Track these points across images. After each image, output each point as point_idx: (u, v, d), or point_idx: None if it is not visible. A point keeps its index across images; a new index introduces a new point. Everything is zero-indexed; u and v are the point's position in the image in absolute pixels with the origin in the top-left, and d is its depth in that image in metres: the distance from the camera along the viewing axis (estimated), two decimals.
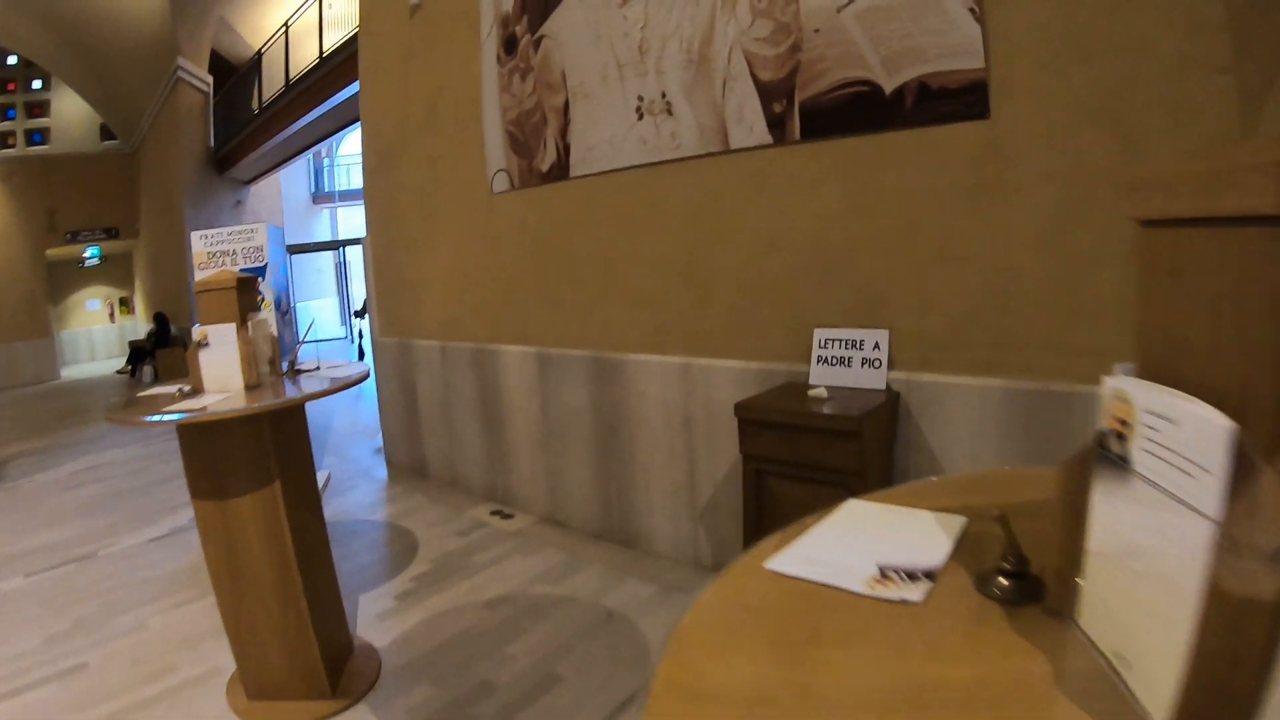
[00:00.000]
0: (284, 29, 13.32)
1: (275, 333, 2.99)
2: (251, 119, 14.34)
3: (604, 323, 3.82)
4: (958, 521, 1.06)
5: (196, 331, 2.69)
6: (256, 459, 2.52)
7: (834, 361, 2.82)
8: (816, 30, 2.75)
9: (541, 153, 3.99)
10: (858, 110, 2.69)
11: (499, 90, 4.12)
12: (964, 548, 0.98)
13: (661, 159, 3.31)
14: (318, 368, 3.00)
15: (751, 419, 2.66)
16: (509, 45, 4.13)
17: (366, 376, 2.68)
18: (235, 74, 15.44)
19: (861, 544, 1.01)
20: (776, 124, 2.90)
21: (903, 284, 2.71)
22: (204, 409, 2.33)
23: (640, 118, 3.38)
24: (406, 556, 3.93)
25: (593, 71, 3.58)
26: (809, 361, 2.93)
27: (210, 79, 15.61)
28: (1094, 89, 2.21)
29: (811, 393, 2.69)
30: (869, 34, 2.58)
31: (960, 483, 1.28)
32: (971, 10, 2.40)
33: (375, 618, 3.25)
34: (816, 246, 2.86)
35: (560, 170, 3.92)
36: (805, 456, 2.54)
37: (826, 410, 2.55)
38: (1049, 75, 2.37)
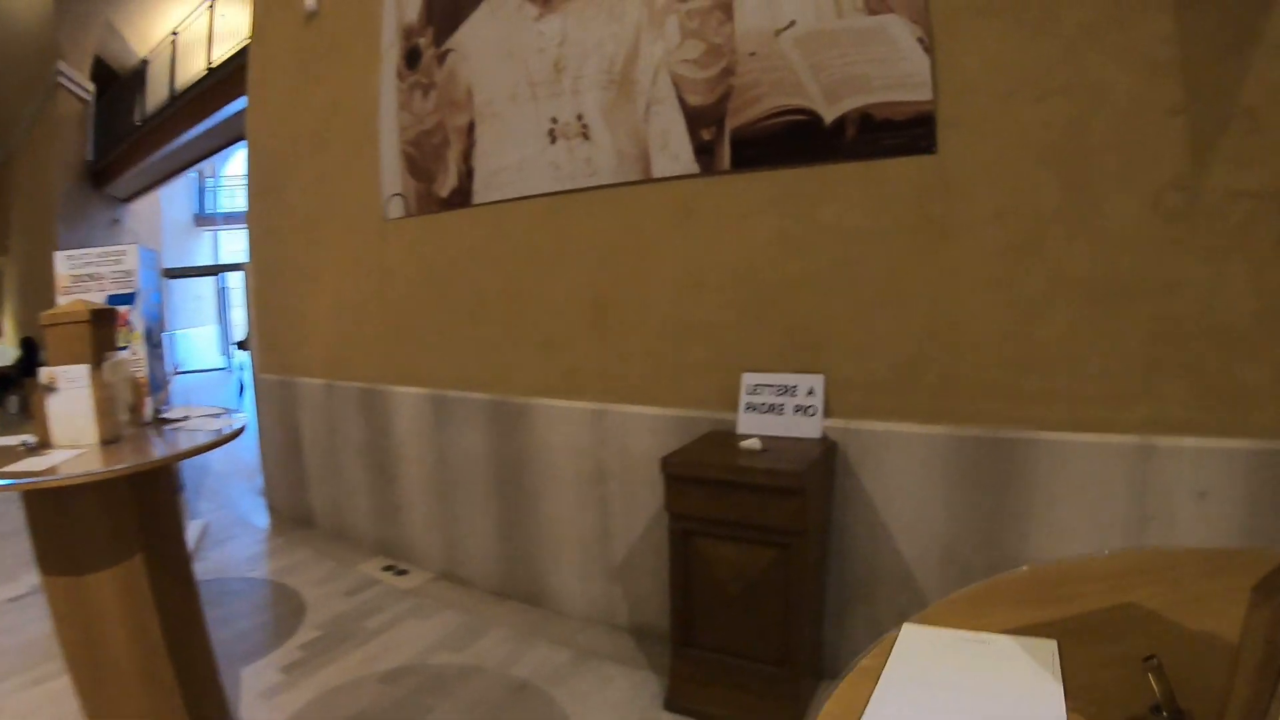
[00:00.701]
0: (172, 36, 12.07)
1: (140, 373, 2.39)
2: (133, 131, 12.84)
3: (508, 364, 3.24)
4: (1049, 650, 0.82)
5: (43, 374, 2.03)
6: (116, 529, 1.93)
7: (764, 409, 2.40)
8: (752, 54, 2.37)
9: (442, 177, 3.35)
10: (795, 140, 2.32)
11: (398, 107, 3.48)
12: (1072, 689, 0.68)
13: (575, 186, 2.81)
14: (186, 418, 2.35)
15: (680, 474, 2.21)
16: (411, 58, 3.53)
17: (242, 432, 2.09)
18: (118, 82, 13.73)
19: (954, 702, 0.67)
20: (705, 151, 2.47)
21: (841, 326, 2.34)
22: (50, 471, 1.71)
23: (553, 141, 2.87)
24: (292, 620, 3.25)
25: (502, 89, 3.05)
26: (736, 409, 2.48)
27: (92, 86, 13.80)
28: (1046, 128, 1.98)
29: (744, 444, 2.26)
30: (809, 60, 2.24)
31: (1024, 582, 0.99)
32: (920, 40, 2.10)
33: (259, 696, 2.60)
34: (746, 285, 2.45)
35: (462, 196, 3.29)
36: (740, 515, 2.12)
37: (763, 464, 2.12)
38: (1000, 112, 2.09)
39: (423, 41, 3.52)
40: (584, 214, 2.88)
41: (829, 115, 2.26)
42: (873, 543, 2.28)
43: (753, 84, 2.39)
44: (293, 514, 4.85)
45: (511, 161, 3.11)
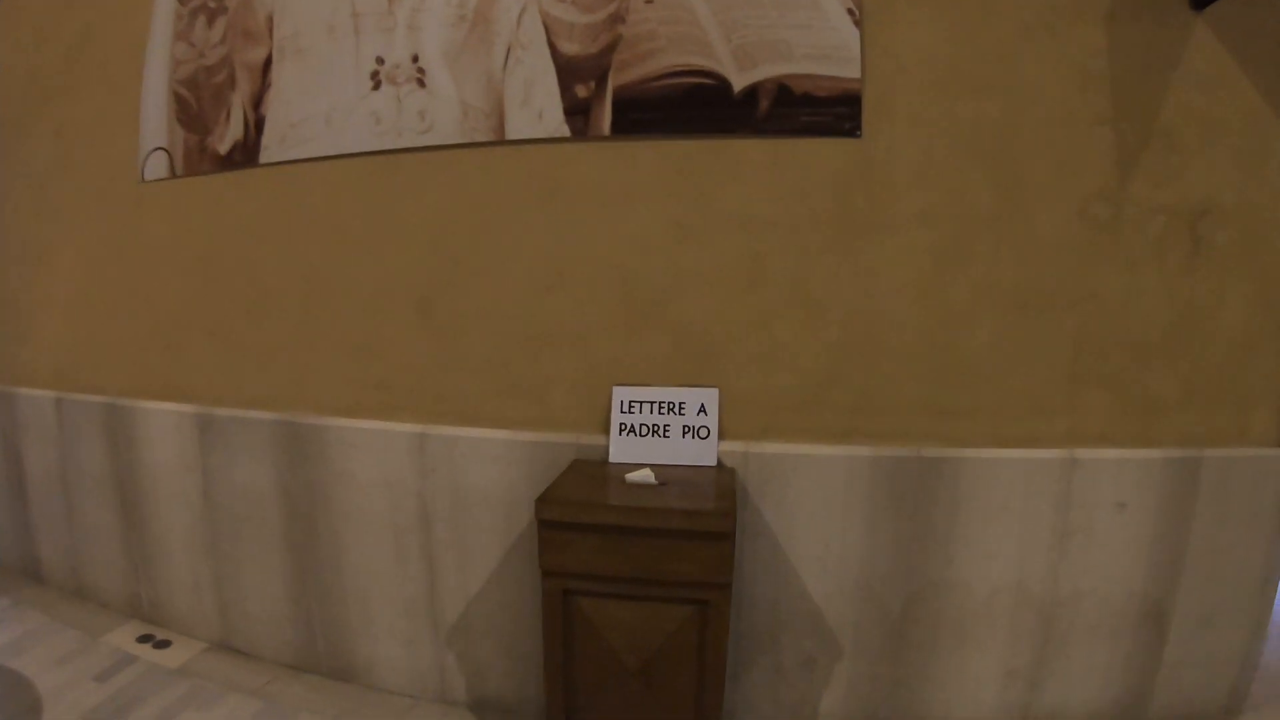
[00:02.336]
0: None
1: None
2: None
3: (298, 373, 1.95)
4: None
5: None
6: None
7: (643, 430, 1.56)
8: (649, 0, 1.59)
9: (222, 127, 1.98)
10: (694, 107, 1.56)
11: (173, 37, 2.06)
12: None
13: (403, 145, 1.75)
14: None
15: (558, 520, 1.35)
16: None
17: None
18: None
19: None
20: (578, 112, 1.61)
21: (741, 332, 1.60)
22: None
23: (376, 87, 1.76)
24: None
25: (315, 18, 1.87)
26: (605, 431, 1.63)
27: None
28: (979, 127, 1.50)
29: (632, 477, 1.45)
30: (719, 16, 1.55)
31: None
32: (850, 12, 1.51)
33: None
34: (625, 281, 1.63)
35: (247, 153, 1.96)
36: (642, 568, 1.34)
37: (676, 503, 1.34)
38: (932, 103, 1.53)
39: None
40: (412, 182, 1.77)
41: (739, 82, 1.54)
42: (776, 583, 1.62)
43: (647, 36, 1.59)
44: (16, 566, 2.77)
45: (318, 110, 1.86)
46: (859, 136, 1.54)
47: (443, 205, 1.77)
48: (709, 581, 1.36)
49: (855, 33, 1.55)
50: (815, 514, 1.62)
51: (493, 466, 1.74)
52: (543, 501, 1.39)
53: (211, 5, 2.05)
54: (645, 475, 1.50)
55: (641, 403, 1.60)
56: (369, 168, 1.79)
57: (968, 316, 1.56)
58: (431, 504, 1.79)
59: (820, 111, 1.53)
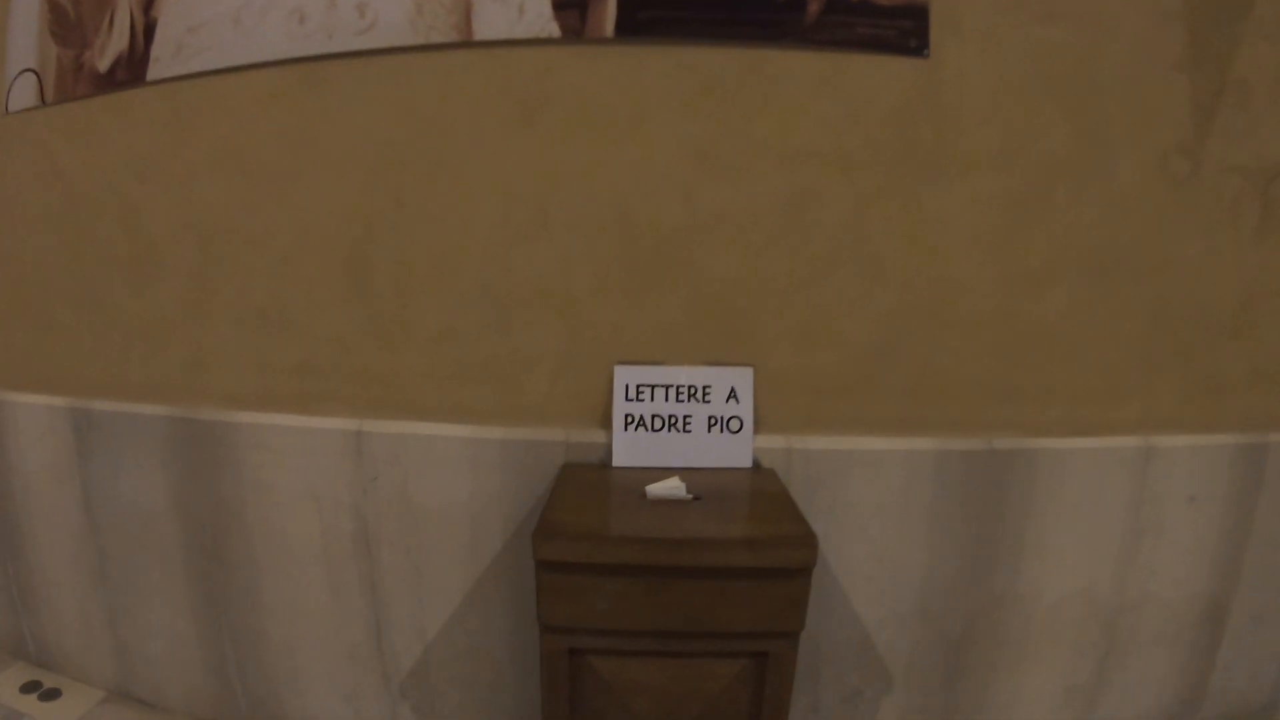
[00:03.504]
0: None
1: None
2: None
3: (195, 354, 1.16)
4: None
5: None
6: None
7: (656, 423, 0.95)
8: None
9: (104, 37, 1.16)
10: (725, 6, 0.95)
11: None
12: None
13: (334, 50, 1.02)
14: None
15: (567, 562, 0.72)
16: None
17: None
18: None
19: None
20: (571, 6, 0.97)
21: (779, 295, 1.00)
22: None
23: None
24: None
25: None
26: (605, 424, 0.99)
27: None
28: (1057, 57, 0.97)
29: (657, 489, 0.84)
30: None
31: None
32: None
33: None
34: (629, 227, 0.99)
35: (132, 68, 1.15)
36: (683, 619, 0.72)
37: (730, 529, 0.77)
38: (1006, 23, 0.97)
39: None
40: (345, 99, 1.04)
41: None
42: (820, 610, 1.04)
43: None
44: None
45: (224, 9, 1.09)
46: (926, 56, 0.95)
47: (385, 129, 1.00)
48: (774, 629, 0.74)
49: None
50: (869, 523, 1.02)
51: (453, 473, 1.02)
52: (544, 537, 0.72)
53: None
54: (674, 487, 0.84)
55: (653, 387, 0.95)
56: (288, 81, 1.03)
57: (1044, 280, 1.01)
58: (374, 523, 1.05)
59: (881, 23, 0.94)
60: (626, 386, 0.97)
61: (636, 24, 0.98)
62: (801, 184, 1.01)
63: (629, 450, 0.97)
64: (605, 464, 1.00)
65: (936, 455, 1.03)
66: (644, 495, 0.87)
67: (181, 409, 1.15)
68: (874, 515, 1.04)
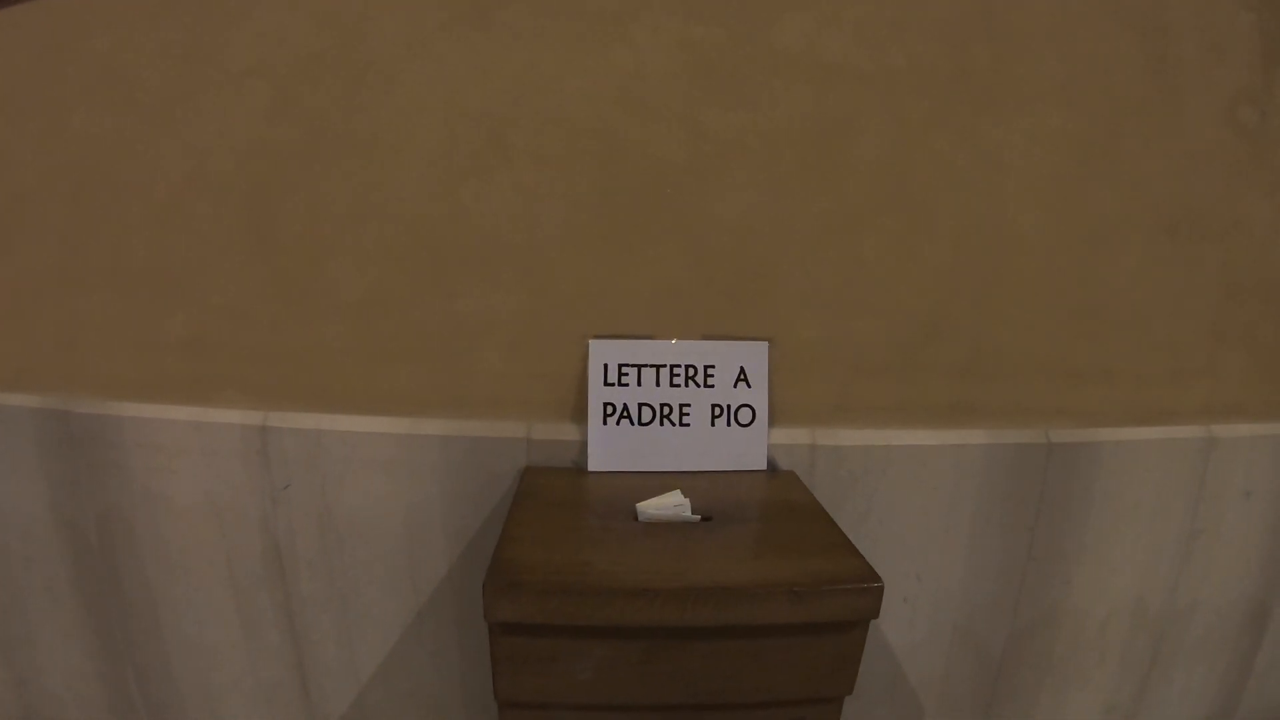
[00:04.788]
0: None
1: None
2: None
3: (66, 330, 0.67)
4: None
5: None
6: None
7: (644, 415, 0.55)
8: None
9: None
10: None
11: None
12: None
13: None
14: None
15: (533, 624, 0.31)
16: None
17: None
18: None
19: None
20: None
21: (803, 249, 0.58)
22: None
23: None
24: None
25: None
26: (577, 415, 0.58)
27: None
28: None
29: (651, 507, 0.45)
30: None
31: None
32: None
33: None
34: (609, 154, 0.57)
35: None
36: (696, 690, 0.31)
37: (763, 570, 0.32)
38: None
39: None
40: (251, 3, 0.59)
41: None
42: None
43: None
44: None
45: None
46: None
47: (297, 37, 0.60)
48: (813, 697, 0.36)
49: None
50: (907, 533, 0.64)
51: (383, 479, 0.61)
52: (499, 589, 0.34)
53: None
54: (675, 505, 0.46)
55: (640, 367, 0.56)
56: None
57: (1111, 237, 0.65)
58: (288, 540, 0.64)
59: None
60: (605, 366, 0.56)
61: None
62: (833, 108, 0.60)
63: (609, 450, 0.57)
64: (579, 467, 0.59)
65: (987, 451, 0.64)
66: (634, 516, 0.47)
67: (54, 399, 0.70)
68: (913, 524, 0.65)
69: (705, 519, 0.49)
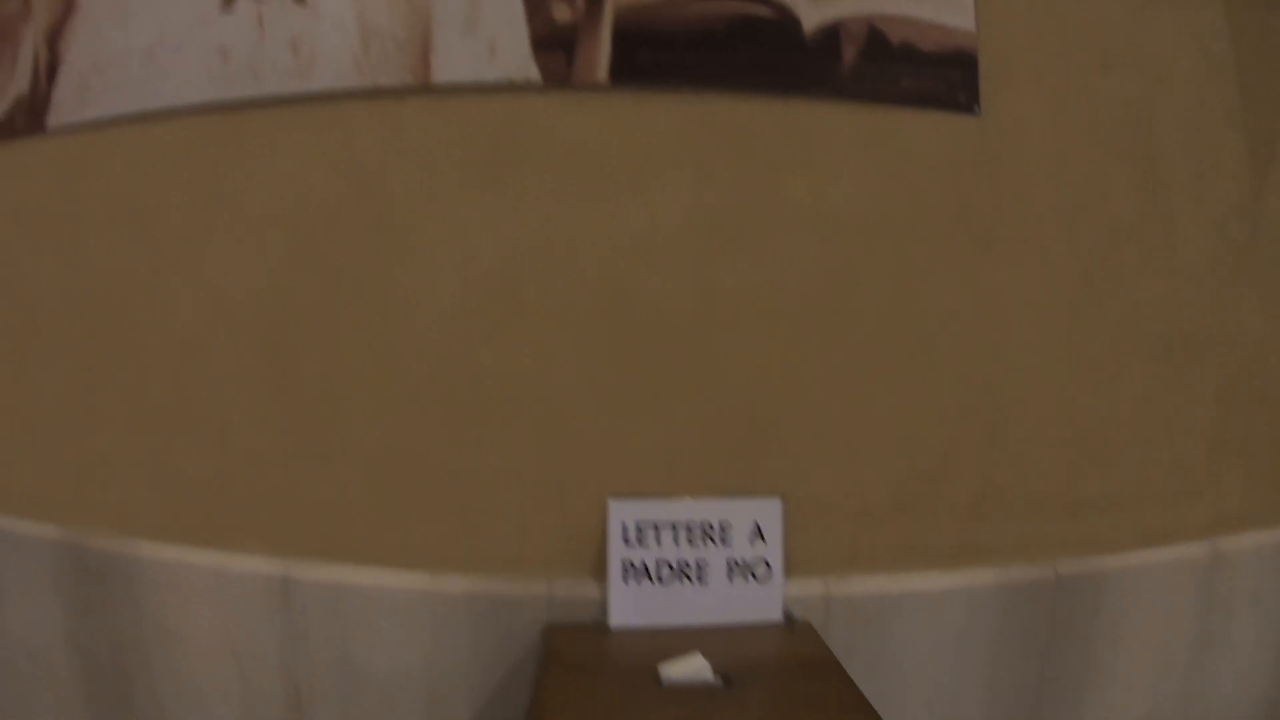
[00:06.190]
0: None
1: None
2: None
3: (83, 461, 0.69)
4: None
5: None
6: None
7: (663, 572, 0.57)
8: None
9: (4, 75, 0.68)
10: (743, 48, 0.59)
11: None
12: None
13: (262, 94, 0.61)
14: None
15: None
16: None
17: None
18: None
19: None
20: (556, 45, 0.59)
21: (812, 401, 0.61)
22: None
23: (229, 2, 0.61)
24: None
25: None
26: (597, 571, 0.59)
27: None
28: (1116, 109, 0.64)
29: (676, 671, 0.46)
30: None
31: None
32: None
33: None
34: (624, 311, 0.61)
35: (31, 113, 0.66)
36: None
37: None
38: (1061, 72, 0.63)
39: None
40: (272, 151, 0.63)
41: (812, 18, 0.60)
42: None
43: None
44: None
45: (140, 43, 0.64)
46: (977, 113, 0.63)
47: (318, 188, 0.62)
48: None
49: None
50: (918, 678, 0.64)
51: (405, 633, 0.61)
52: None
53: None
54: (696, 668, 0.49)
55: (658, 526, 0.58)
56: (205, 129, 0.64)
57: (1112, 363, 0.68)
58: (308, 688, 0.63)
59: (926, 73, 0.62)
60: (624, 526, 0.58)
61: (636, 67, 0.60)
62: (838, 260, 0.63)
63: (629, 606, 0.58)
64: (600, 624, 0.60)
65: (998, 591, 0.65)
66: (657, 678, 0.48)
67: (71, 531, 0.70)
68: (924, 667, 0.65)
69: (726, 681, 0.50)
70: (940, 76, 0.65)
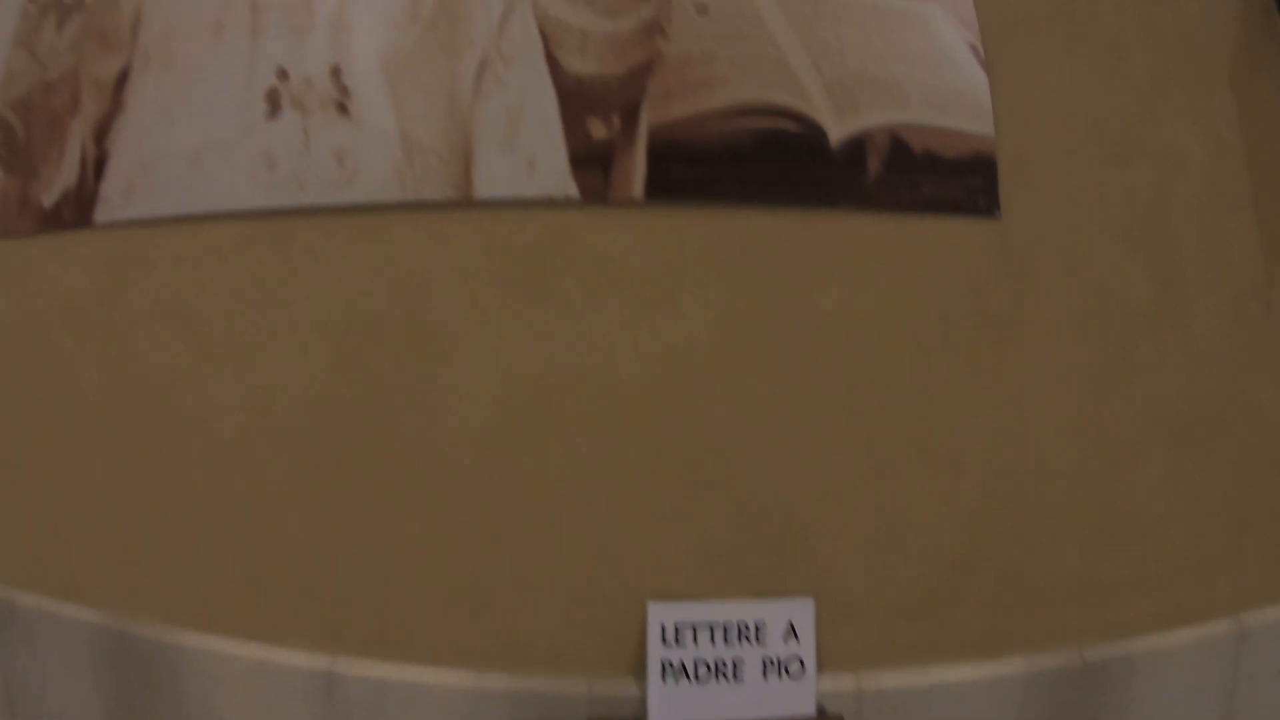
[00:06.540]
0: None
1: None
2: None
3: (129, 550, 0.69)
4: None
5: None
6: None
7: (701, 671, 0.59)
8: (702, 9, 0.62)
9: (52, 168, 0.69)
10: (773, 162, 0.62)
11: (13, 43, 0.73)
12: None
13: (306, 203, 0.63)
14: None
15: None
16: None
17: None
18: None
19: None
20: (593, 162, 0.62)
21: (843, 504, 0.64)
22: None
23: (274, 112, 0.62)
24: None
25: (196, 11, 0.64)
26: (635, 672, 0.60)
27: None
28: (1129, 201, 0.67)
29: None
30: (803, 35, 0.62)
31: None
32: (973, 49, 0.64)
33: None
34: (661, 421, 0.63)
35: (79, 207, 0.68)
36: None
37: None
38: (1075, 169, 0.66)
39: None
40: (316, 258, 0.65)
41: (838, 131, 0.63)
42: None
43: (702, 57, 0.62)
44: None
45: (184, 146, 0.66)
46: (997, 217, 0.65)
47: (363, 297, 0.65)
48: None
49: (982, 76, 0.65)
50: None
51: None
52: None
53: (67, 1, 0.75)
54: None
55: (696, 627, 0.60)
56: (251, 235, 0.67)
57: (1131, 452, 0.70)
58: None
59: (948, 180, 0.64)
60: (663, 627, 0.60)
61: (670, 183, 0.63)
62: (865, 366, 0.66)
63: (668, 704, 0.60)
64: None
65: (1025, 679, 0.67)
66: None
67: (114, 618, 0.71)
68: None
69: None
70: (961, 182, 0.68)
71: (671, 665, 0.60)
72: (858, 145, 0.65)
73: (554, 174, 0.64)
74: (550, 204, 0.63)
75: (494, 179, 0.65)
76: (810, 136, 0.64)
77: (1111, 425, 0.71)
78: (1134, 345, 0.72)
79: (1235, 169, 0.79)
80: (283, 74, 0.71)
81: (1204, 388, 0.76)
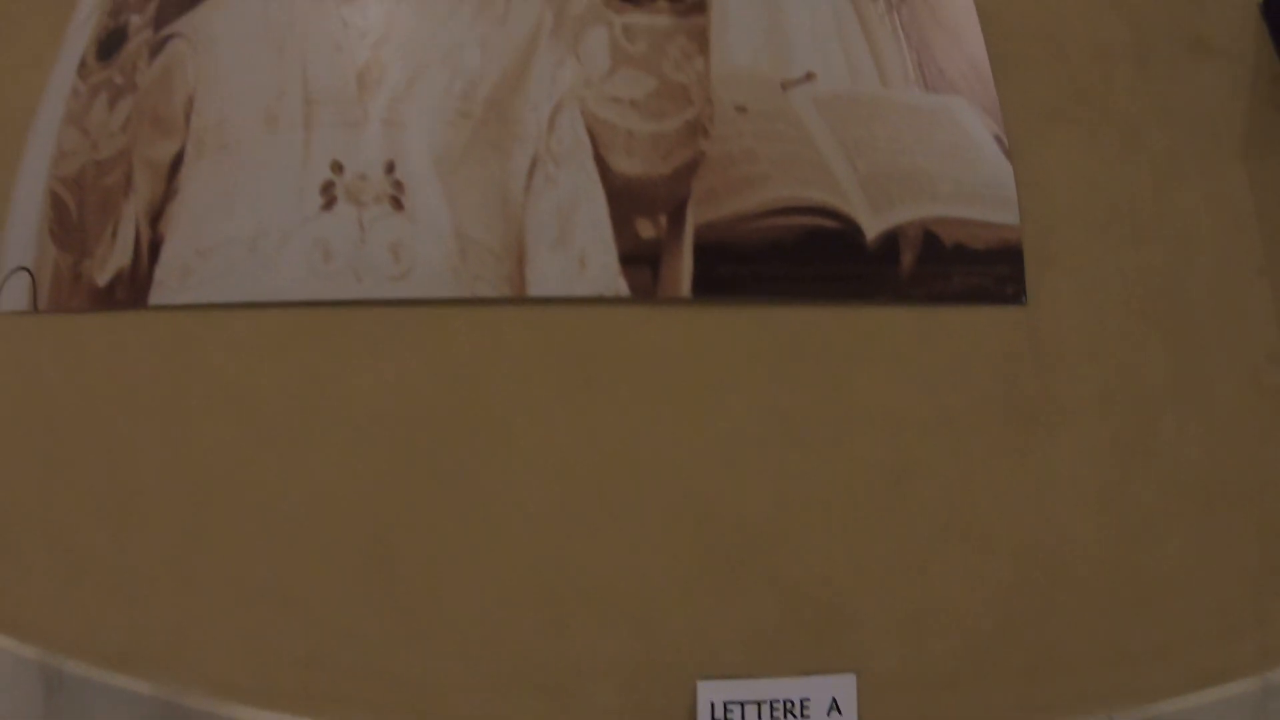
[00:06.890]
0: None
1: None
2: None
3: (182, 626, 0.71)
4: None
5: None
6: None
7: None
8: (741, 108, 0.66)
9: (105, 246, 0.73)
10: (813, 259, 0.66)
11: (64, 119, 0.76)
12: None
13: (362, 296, 0.66)
14: None
15: None
16: (108, 45, 0.76)
17: None
18: None
19: None
20: (642, 260, 0.65)
21: (881, 586, 0.67)
22: None
23: (329, 205, 0.66)
24: None
25: (250, 102, 0.68)
26: None
27: None
28: (1148, 281, 0.71)
29: None
30: (839, 133, 0.67)
31: None
32: (998, 140, 0.68)
33: None
34: (707, 511, 0.66)
35: (134, 288, 0.71)
36: None
37: None
38: (1096, 254, 0.70)
39: (135, 20, 0.75)
40: (372, 349, 0.68)
41: (873, 226, 0.66)
42: None
43: (744, 156, 0.66)
44: None
45: (241, 233, 0.68)
46: (1024, 303, 0.69)
47: (419, 388, 0.68)
48: None
49: (1007, 166, 0.69)
50: None
51: None
52: None
53: (119, 81, 0.77)
54: None
55: (744, 704, 0.63)
56: (307, 323, 0.70)
57: (1156, 524, 0.73)
58: None
59: (977, 270, 0.68)
60: (713, 705, 0.64)
61: (716, 281, 0.66)
62: (903, 454, 0.69)
63: None
64: None
65: None
66: None
67: (163, 688, 0.73)
68: None
69: None
70: (990, 272, 0.72)
71: None
72: (892, 240, 0.68)
73: (605, 272, 0.67)
74: (600, 303, 0.66)
75: (546, 276, 0.68)
76: (847, 233, 0.68)
77: (1136, 498, 0.75)
78: (1155, 419, 0.76)
79: (1249, 239, 0.83)
80: (338, 167, 0.74)
81: (1225, 455, 0.80)
